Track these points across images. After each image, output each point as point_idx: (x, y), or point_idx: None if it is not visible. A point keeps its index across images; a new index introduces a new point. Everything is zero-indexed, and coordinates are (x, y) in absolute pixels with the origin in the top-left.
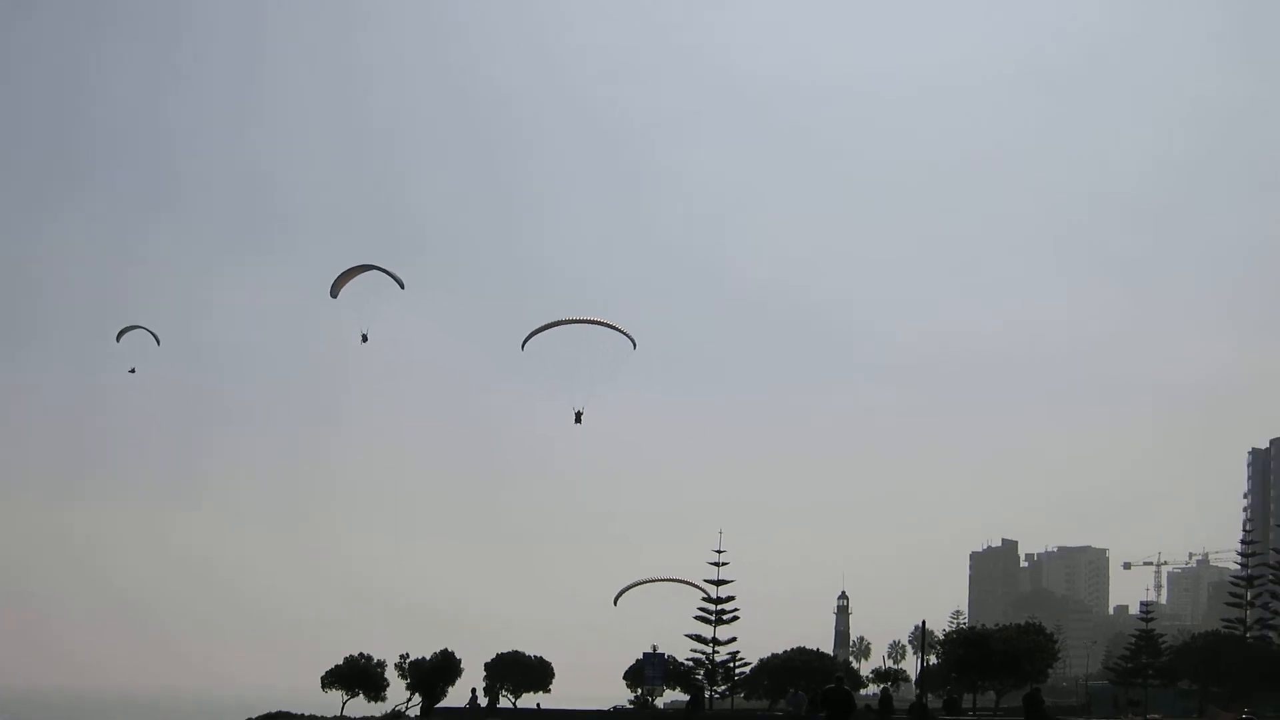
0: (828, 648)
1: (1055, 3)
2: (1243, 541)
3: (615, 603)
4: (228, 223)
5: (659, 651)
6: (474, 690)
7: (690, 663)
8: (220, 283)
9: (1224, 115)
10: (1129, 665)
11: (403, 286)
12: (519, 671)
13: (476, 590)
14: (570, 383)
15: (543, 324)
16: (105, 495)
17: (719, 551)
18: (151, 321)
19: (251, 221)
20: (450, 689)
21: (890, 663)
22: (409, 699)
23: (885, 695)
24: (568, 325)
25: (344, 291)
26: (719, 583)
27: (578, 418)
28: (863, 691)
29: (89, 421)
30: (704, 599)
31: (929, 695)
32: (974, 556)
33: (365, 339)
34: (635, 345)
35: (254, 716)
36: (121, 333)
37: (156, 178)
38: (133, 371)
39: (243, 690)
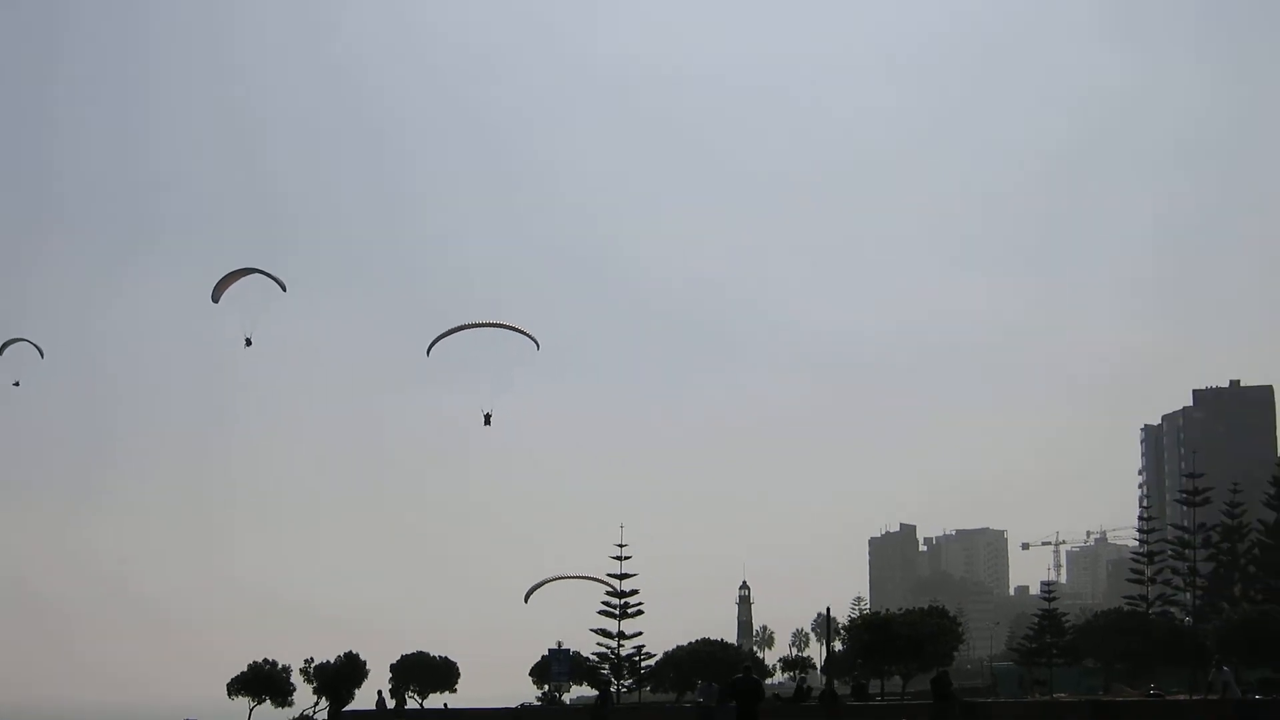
0: (732, 638)
1: None
2: (1140, 518)
3: (526, 600)
4: (108, 230)
5: (564, 648)
6: (380, 692)
7: (596, 658)
8: (106, 291)
9: (1115, 101)
10: (1033, 645)
11: (284, 289)
12: (425, 672)
13: (379, 592)
14: (476, 385)
15: (447, 329)
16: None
17: (621, 546)
18: (38, 333)
19: (133, 228)
20: (356, 691)
21: (795, 651)
22: (315, 703)
23: (800, 685)
24: (471, 329)
25: (226, 296)
26: (622, 577)
27: (487, 419)
28: (770, 681)
29: None
30: (608, 593)
31: (835, 682)
32: (873, 542)
33: (249, 343)
34: (539, 346)
35: None
36: (0, 348)
37: (33, 186)
38: (16, 385)
39: (148, 699)
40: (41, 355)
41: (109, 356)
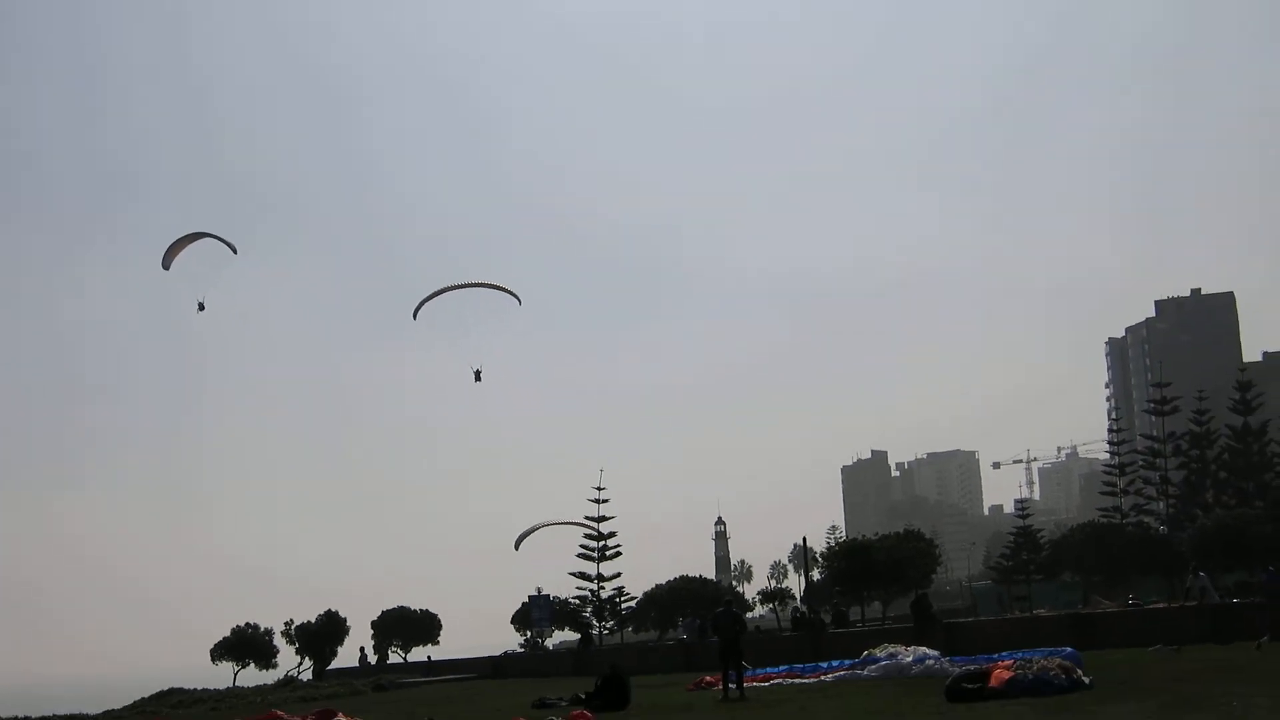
0: (711, 574)
1: None
2: (1110, 430)
3: (517, 547)
4: (68, 206)
5: (544, 593)
6: (363, 648)
7: (577, 601)
8: (67, 267)
9: (1063, 15)
10: (1010, 563)
11: (235, 251)
12: (406, 626)
13: (357, 553)
14: (440, 342)
15: (431, 292)
16: None
17: (599, 489)
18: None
19: (92, 203)
20: (339, 649)
21: (773, 583)
22: (299, 663)
23: (795, 614)
24: (455, 290)
25: (178, 262)
26: (600, 519)
27: (477, 375)
28: (750, 614)
29: None
30: (586, 536)
31: (818, 611)
32: (845, 470)
33: (202, 307)
34: (520, 302)
35: (146, 695)
36: None
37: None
38: None
39: (131, 671)
40: None
41: (73, 333)
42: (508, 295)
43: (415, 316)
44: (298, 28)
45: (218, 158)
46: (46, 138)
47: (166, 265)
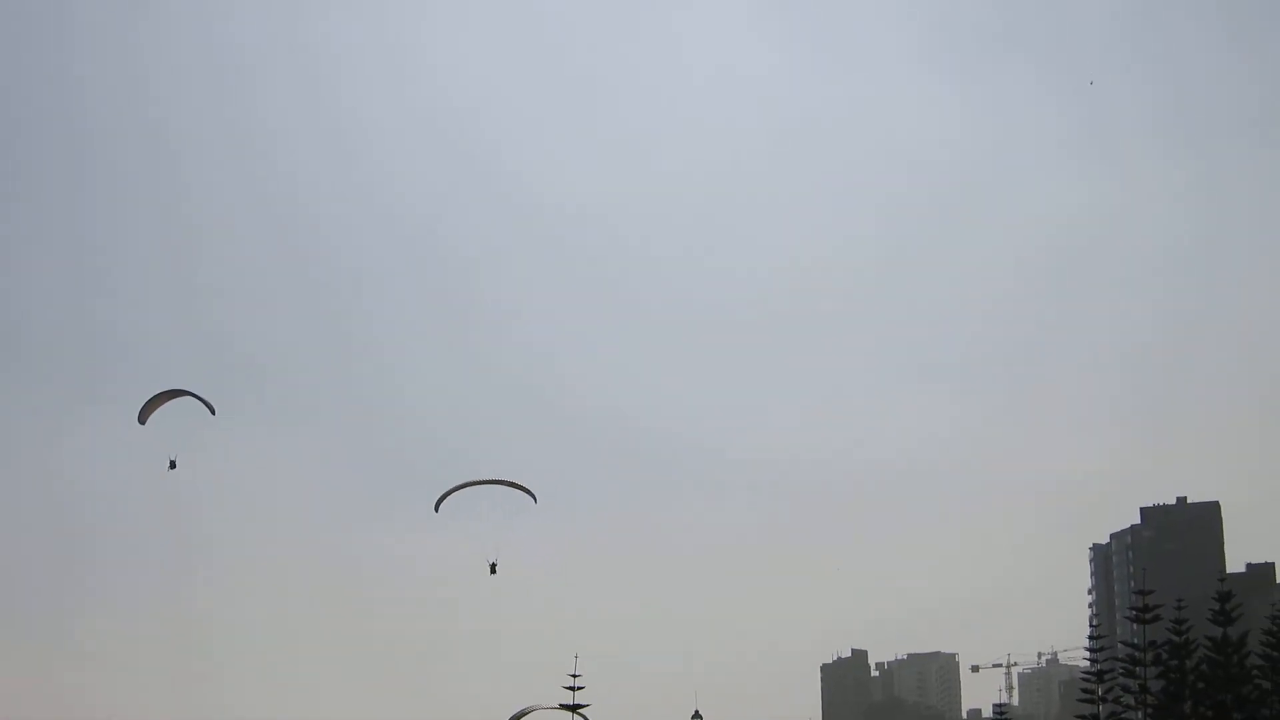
0: None
1: None
2: (1090, 637)
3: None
4: (58, 371)
5: None
6: None
7: None
8: (58, 434)
9: (1073, 227)
10: None
11: (213, 412)
12: None
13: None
14: (416, 522)
15: (452, 486)
16: None
17: (575, 676)
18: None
19: (82, 368)
20: None
21: None
22: None
23: None
24: (477, 486)
25: (154, 419)
26: (575, 707)
27: (492, 569)
28: None
29: None
30: None
31: None
32: (825, 668)
33: (173, 465)
34: (536, 500)
35: None
36: None
37: None
38: None
39: None
40: None
41: (66, 499)
42: (524, 493)
43: (437, 509)
44: (293, 200)
45: (205, 323)
46: (46, 305)
47: (142, 420)
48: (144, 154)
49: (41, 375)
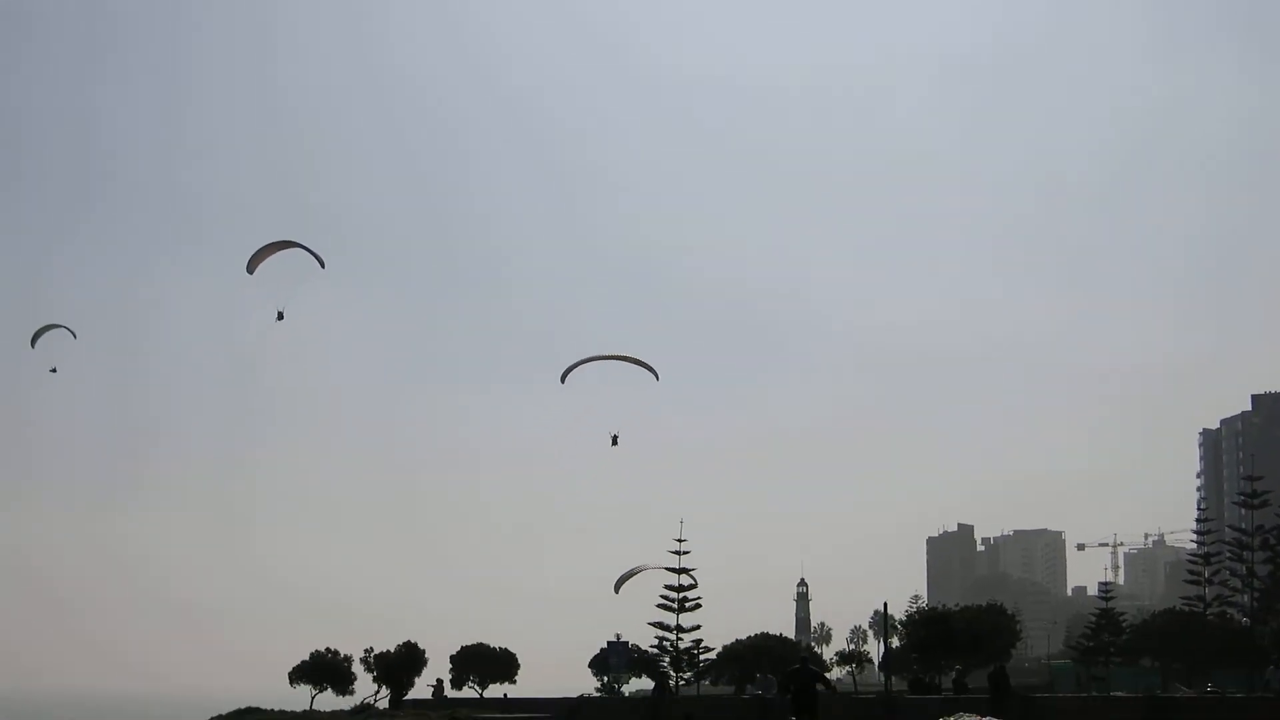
0: (790, 634)
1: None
2: (1198, 520)
3: (617, 590)
4: (145, 222)
5: (623, 640)
6: (439, 680)
7: (654, 650)
8: (142, 283)
9: (1157, 109)
10: (1090, 644)
11: (323, 265)
12: (484, 663)
13: (435, 587)
14: (524, 382)
15: (579, 359)
16: (41, 498)
17: (680, 540)
18: (77, 322)
19: (169, 220)
20: (417, 680)
21: (852, 647)
22: (376, 692)
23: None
24: (602, 361)
25: (262, 269)
26: (680, 571)
27: (614, 440)
28: (829, 675)
29: (21, 426)
30: (666, 587)
31: (893, 678)
32: (930, 542)
33: (281, 316)
34: (658, 378)
35: (223, 713)
36: (36, 336)
37: (79, 174)
38: (54, 371)
39: (206, 692)
40: (74, 337)
41: (143, 351)
42: (647, 370)
43: (564, 380)
44: (397, 66)
45: (301, 184)
46: (129, 157)
47: (251, 269)
48: (244, 16)
49: (137, 230)
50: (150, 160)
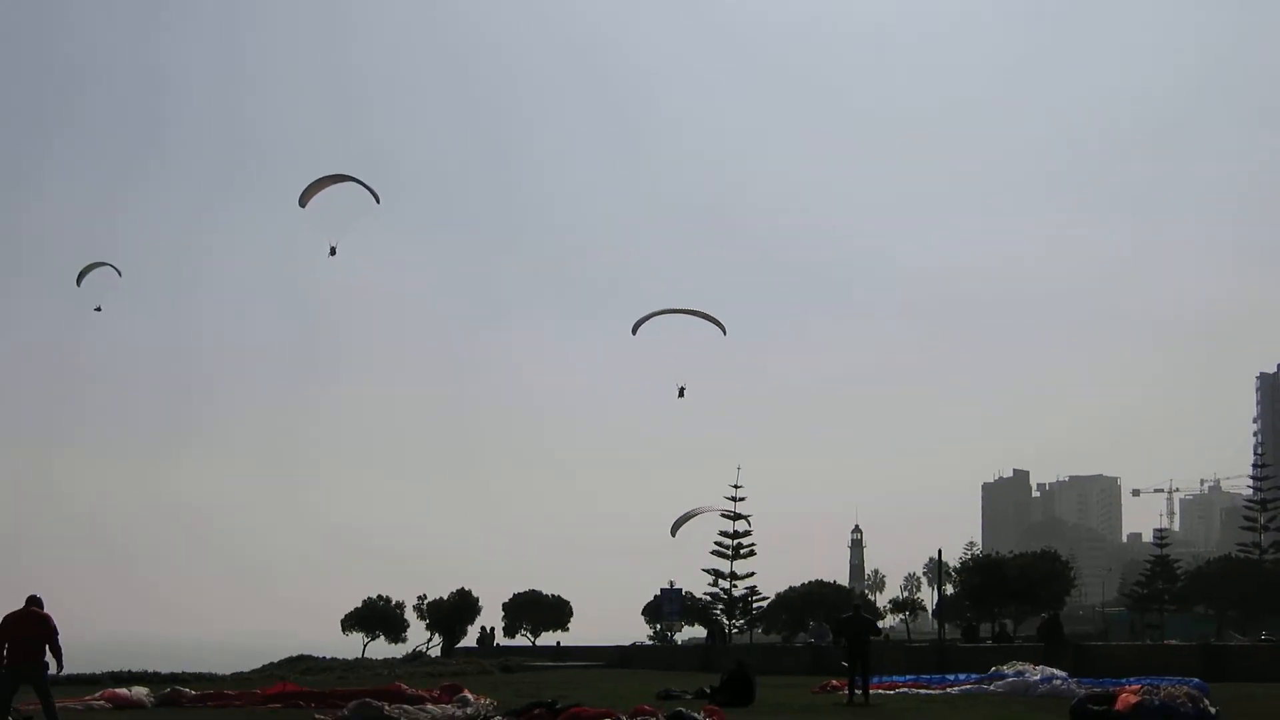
0: (844, 581)
1: None
2: (1254, 465)
3: (674, 534)
4: (210, 166)
5: (676, 587)
6: (490, 628)
7: (708, 598)
8: (202, 226)
9: (1218, 46)
10: (1145, 591)
11: (378, 200)
12: (537, 610)
13: (489, 534)
14: (573, 329)
15: (650, 312)
16: (93, 445)
17: (736, 487)
18: (134, 267)
19: (234, 165)
20: (469, 628)
21: (906, 594)
22: (429, 639)
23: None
24: (671, 314)
25: (315, 205)
26: (736, 516)
27: (680, 392)
28: (880, 623)
29: (74, 372)
30: (721, 533)
31: (946, 626)
32: (986, 488)
33: (334, 252)
34: (725, 333)
35: (274, 660)
36: (82, 274)
37: (139, 122)
38: (98, 310)
39: (259, 639)
40: (120, 275)
41: (197, 295)
42: (714, 325)
43: (635, 332)
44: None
45: (367, 132)
46: (189, 102)
47: (303, 203)
48: None
49: (192, 172)
50: (208, 101)
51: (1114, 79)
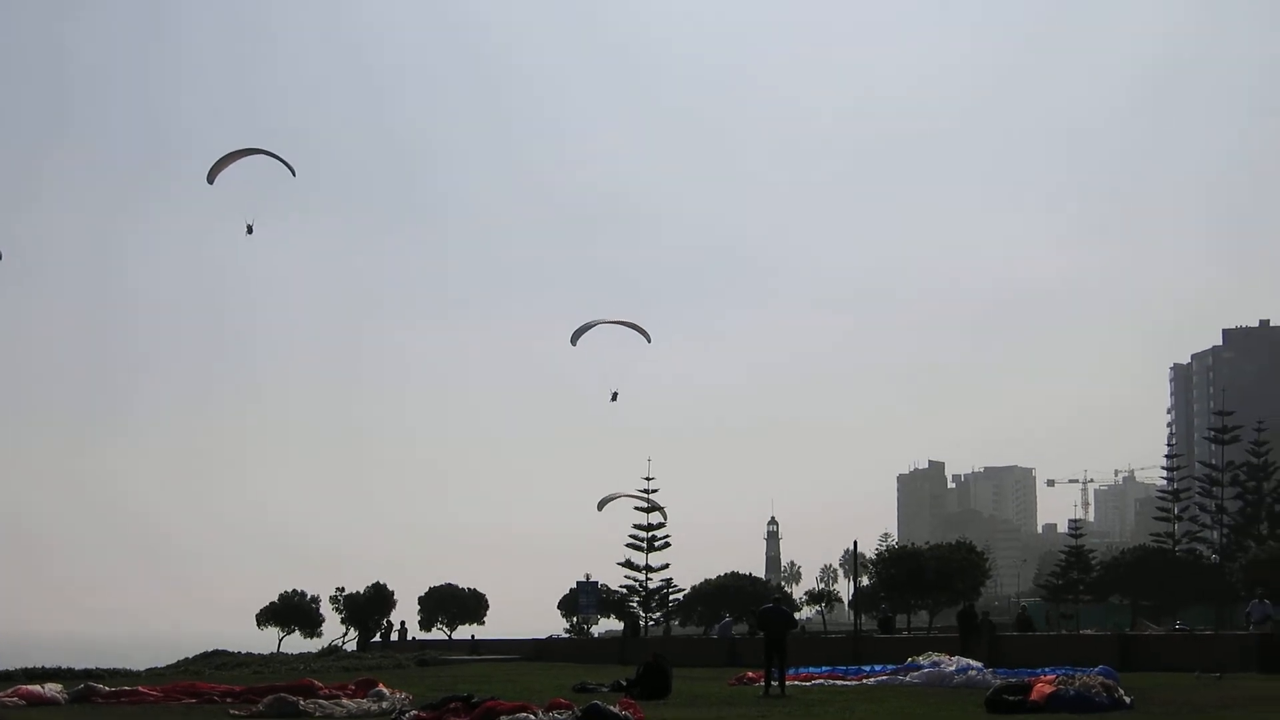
0: (760, 573)
1: None
2: (1167, 456)
3: (600, 509)
4: (127, 151)
5: (592, 580)
6: (403, 623)
7: (624, 590)
8: (121, 215)
9: (1174, 55)
10: (1060, 582)
11: (294, 174)
12: (453, 604)
13: (403, 528)
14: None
15: (586, 323)
16: (7, 434)
17: (648, 479)
18: (52, 258)
19: (145, 150)
20: (385, 621)
21: (822, 586)
22: (344, 634)
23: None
24: (606, 325)
25: (225, 180)
26: (652, 508)
27: (614, 397)
28: (798, 615)
29: None
30: (635, 526)
31: (862, 617)
32: (901, 479)
33: (250, 230)
34: (650, 341)
35: (189, 656)
36: None
37: (53, 108)
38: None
39: (174, 632)
40: (0, 257)
41: (116, 282)
42: (640, 335)
43: (574, 343)
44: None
45: (269, 113)
46: (100, 83)
47: (211, 179)
48: None
49: (103, 159)
50: (124, 91)
51: (1061, 83)
